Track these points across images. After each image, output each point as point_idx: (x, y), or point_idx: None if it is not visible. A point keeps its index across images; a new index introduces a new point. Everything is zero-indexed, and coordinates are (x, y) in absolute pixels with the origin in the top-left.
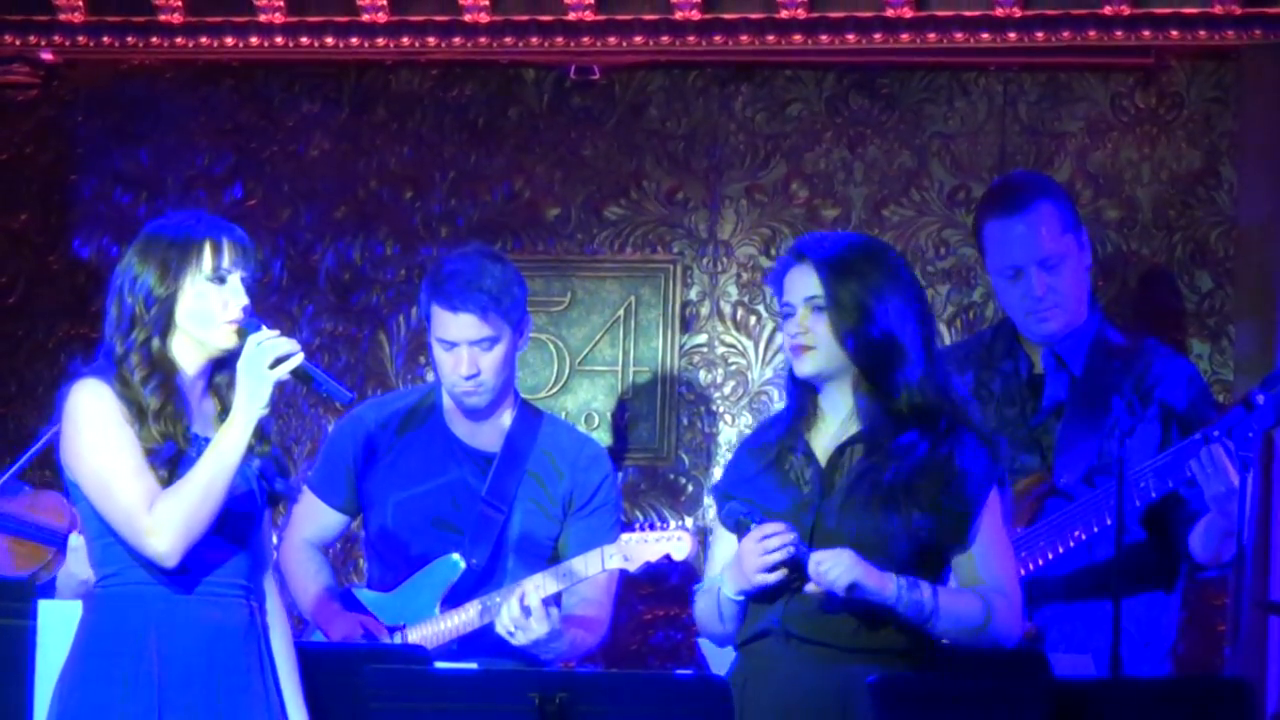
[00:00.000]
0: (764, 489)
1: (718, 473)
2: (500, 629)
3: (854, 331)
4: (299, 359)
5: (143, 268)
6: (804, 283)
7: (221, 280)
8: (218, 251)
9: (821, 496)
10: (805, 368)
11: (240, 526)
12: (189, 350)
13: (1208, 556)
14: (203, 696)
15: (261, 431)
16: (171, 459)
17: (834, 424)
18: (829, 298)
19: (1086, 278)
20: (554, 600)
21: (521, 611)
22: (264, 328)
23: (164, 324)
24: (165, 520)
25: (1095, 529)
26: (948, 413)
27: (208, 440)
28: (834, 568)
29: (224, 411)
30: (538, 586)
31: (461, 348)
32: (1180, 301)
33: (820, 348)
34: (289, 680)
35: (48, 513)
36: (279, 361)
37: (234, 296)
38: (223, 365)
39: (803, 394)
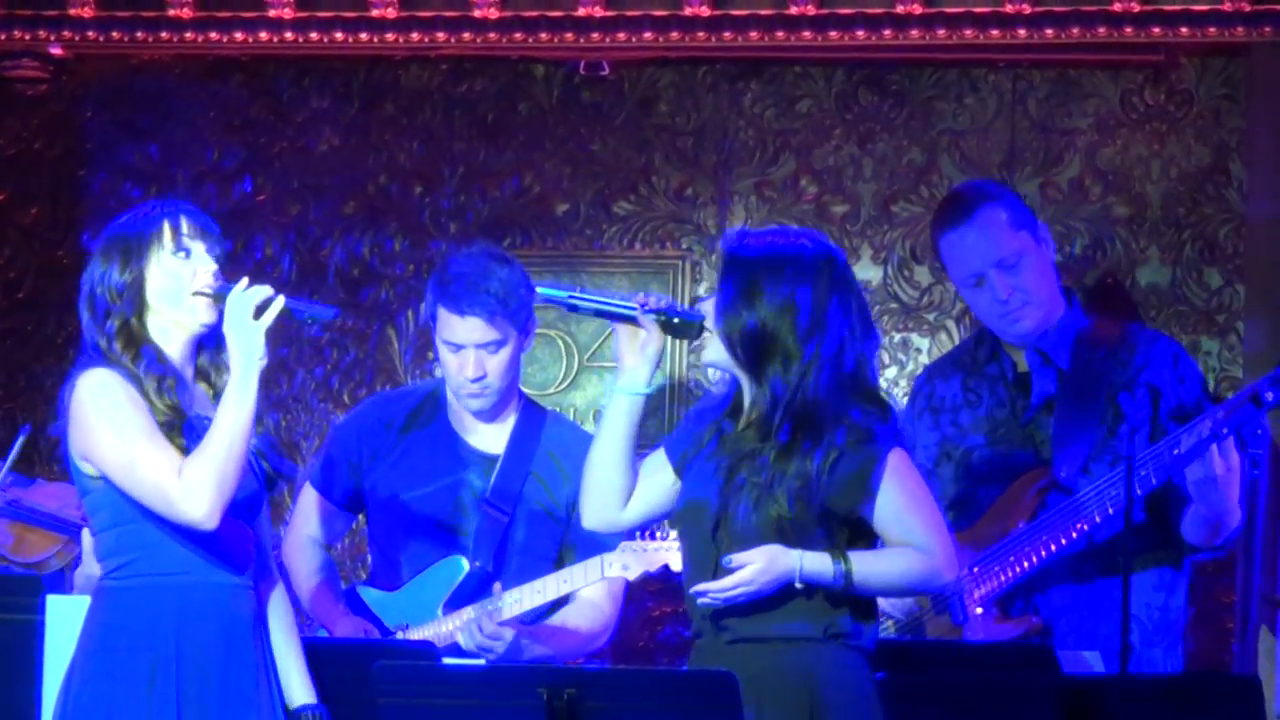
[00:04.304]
0: (699, 471)
1: None
2: (472, 645)
3: (725, 327)
4: (280, 302)
5: (106, 262)
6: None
7: (186, 253)
8: (176, 227)
9: (723, 487)
10: (705, 355)
11: (246, 513)
12: (167, 331)
13: (1197, 540)
14: (218, 688)
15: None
16: (187, 428)
17: (748, 412)
18: (718, 293)
19: (1052, 270)
20: (550, 607)
21: (484, 634)
22: (236, 284)
23: (136, 305)
24: (196, 482)
25: (1097, 519)
26: (839, 401)
27: (208, 419)
28: (739, 587)
29: (215, 395)
30: (537, 592)
31: (468, 350)
32: (1185, 300)
33: (714, 338)
34: (297, 660)
35: (59, 502)
36: (261, 311)
37: (201, 264)
38: (204, 347)
39: (734, 381)
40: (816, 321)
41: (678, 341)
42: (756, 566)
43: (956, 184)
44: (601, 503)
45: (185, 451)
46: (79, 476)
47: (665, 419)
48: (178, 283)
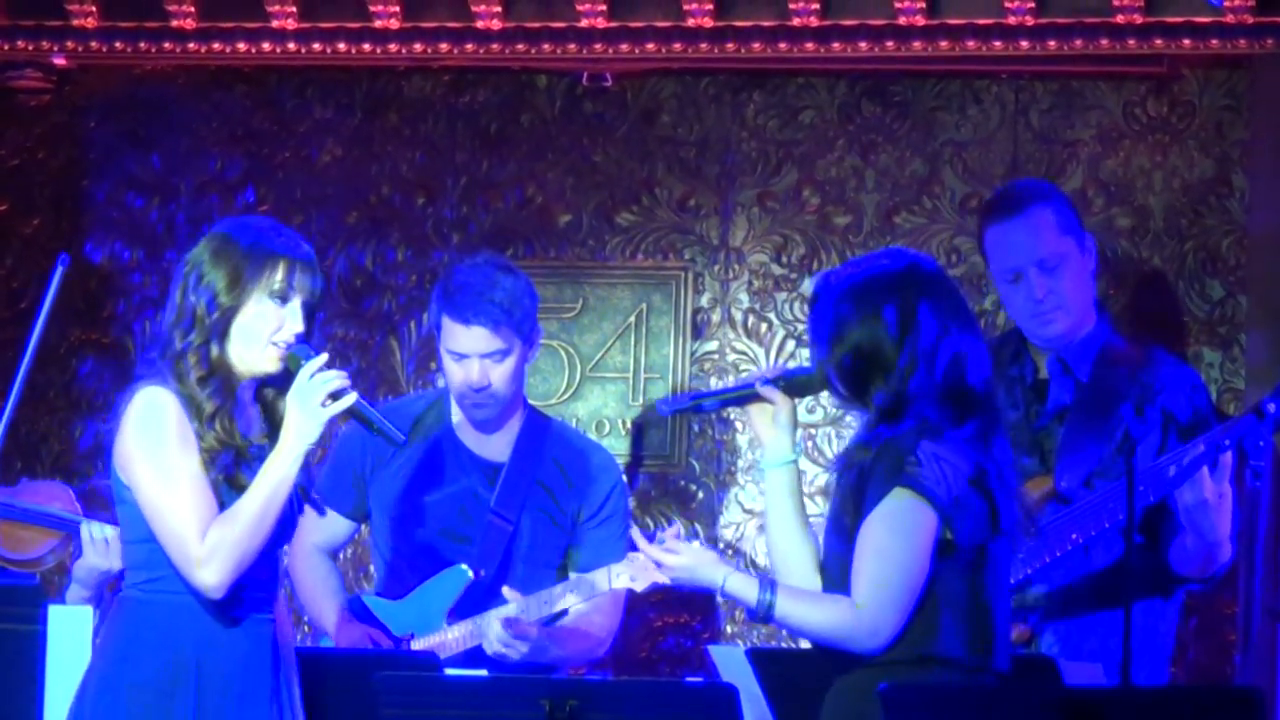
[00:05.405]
0: None
1: (729, 480)
2: (492, 650)
3: (824, 365)
4: (352, 398)
5: (213, 270)
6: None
7: (283, 301)
8: (290, 271)
9: None
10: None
11: (280, 542)
12: (234, 362)
13: (1186, 570)
14: (235, 713)
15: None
16: (230, 464)
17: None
18: (810, 341)
19: (1091, 282)
20: (556, 615)
21: (508, 634)
22: (315, 356)
23: (221, 331)
24: (215, 552)
25: (1093, 532)
26: (917, 413)
27: (259, 447)
28: (656, 569)
29: (269, 423)
30: (544, 603)
31: (472, 360)
32: (1187, 312)
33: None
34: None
35: (50, 499)
36: (333, 397)
37: (290, 320)
38: (271, 380)
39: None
40: (905, 329)
41: (676, 355)
42: (681, 560)
43: (960, 194)
44: (799, 580)
45: (219, 486)
46: (116, 484)
47: (667, 429)
48: (263, 325)
